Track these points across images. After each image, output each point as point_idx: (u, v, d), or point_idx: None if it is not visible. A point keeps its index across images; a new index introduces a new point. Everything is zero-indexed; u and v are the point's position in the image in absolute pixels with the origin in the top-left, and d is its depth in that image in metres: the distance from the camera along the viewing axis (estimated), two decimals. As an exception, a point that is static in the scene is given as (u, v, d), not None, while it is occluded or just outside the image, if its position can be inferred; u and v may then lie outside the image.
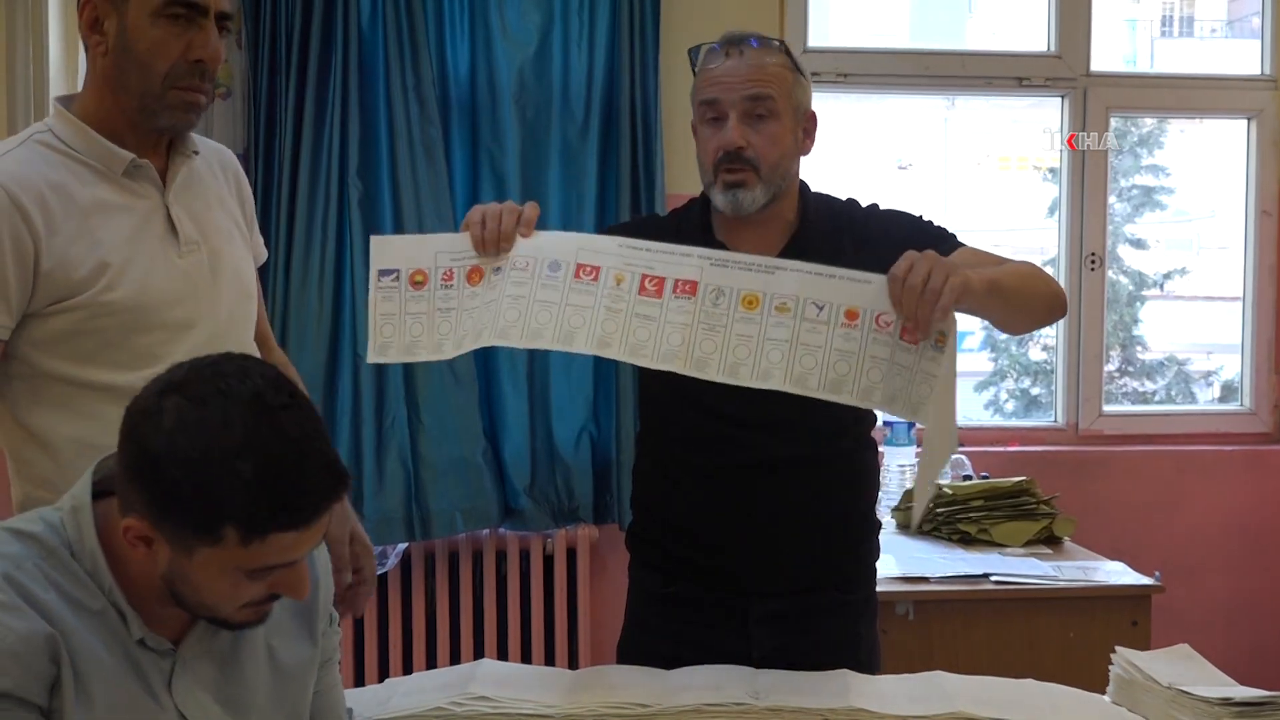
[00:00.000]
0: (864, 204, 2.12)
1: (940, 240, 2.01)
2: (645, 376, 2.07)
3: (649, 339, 1.78)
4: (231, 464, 1.21)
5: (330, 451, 1.28)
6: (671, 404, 2.06)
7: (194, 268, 1.80)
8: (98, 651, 1.30)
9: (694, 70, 2.04)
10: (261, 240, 2.06)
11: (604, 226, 3.33)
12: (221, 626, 1.36)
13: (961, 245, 2.02)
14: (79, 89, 1.86)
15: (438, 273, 1.84)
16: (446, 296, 1.83)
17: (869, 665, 2.06)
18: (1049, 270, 2.07)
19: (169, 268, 1.77)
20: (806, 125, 2.03)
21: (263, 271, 3.26)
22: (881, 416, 3.33)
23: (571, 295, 1.80)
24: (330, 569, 1.58)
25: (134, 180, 1.77)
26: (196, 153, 1.86)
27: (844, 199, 2.11)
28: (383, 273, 1.85)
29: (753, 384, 1.77)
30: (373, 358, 1.83)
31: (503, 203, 1.87)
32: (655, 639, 2.07)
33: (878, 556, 2.18)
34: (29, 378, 1.73)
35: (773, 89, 1.97)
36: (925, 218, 2.09)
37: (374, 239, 1.90)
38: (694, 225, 2.06)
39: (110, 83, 1.74)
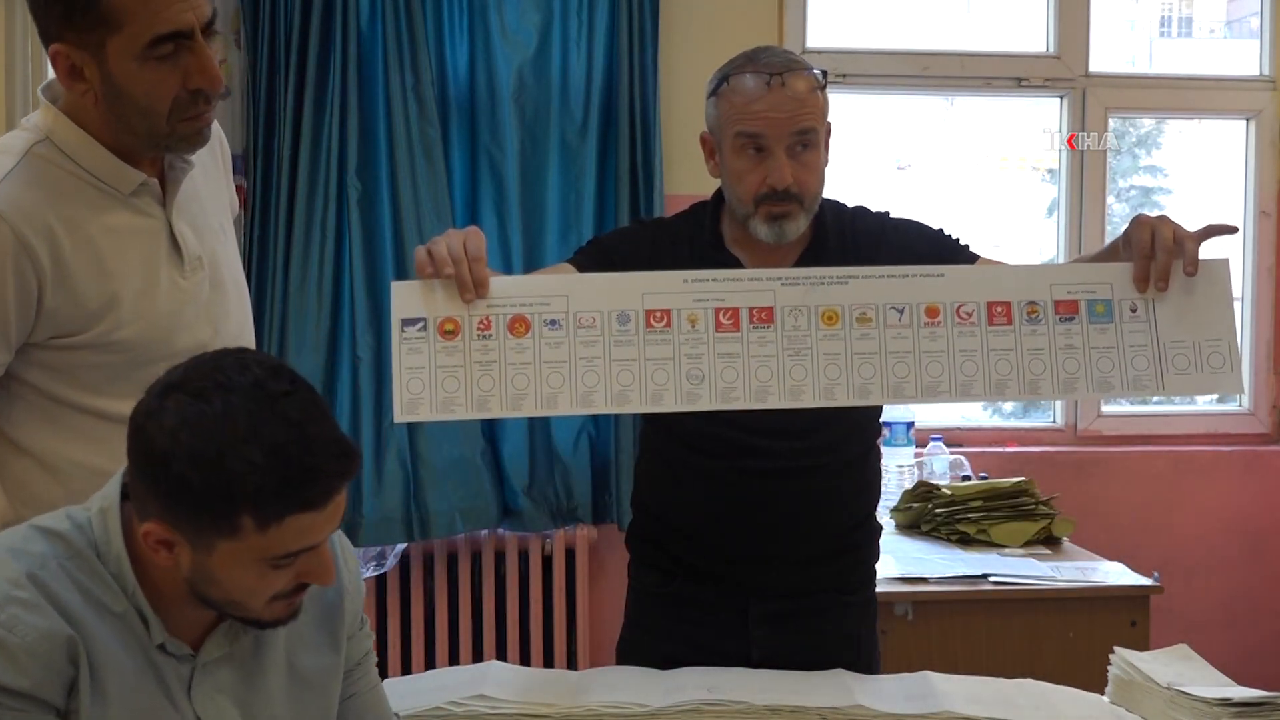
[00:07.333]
0: (874, 211, 2.07)
1: (956, 251, 2.00)
2: None
3: (737, 380, 1.72)
4: (238, 451, 1.21)
5: (335, 432, 1.27)
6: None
7: (197, 288, 1.73)
8: (118, 654, 1.30)
9: (714, 91, 1.93)
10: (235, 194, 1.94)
11: (603, 231, 3.36)
12: (253, 626, 1.35)
13: (977, 256, 2.00)
14: None
15: (472, 321, 1.68)
16: (486, 349, 1.68)
17: (868, 665, 2.06)
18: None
19: (175, 294, 1.70)
20: (829, 139, 1.97)
21: (262, 271, 3.32)
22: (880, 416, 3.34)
23: (649, 349, 1.71)
24: (360, 575, 1.54)
25: (139, 198, 1.68)
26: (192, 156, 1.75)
27: (853, 207, 2.07)
28: (406, 322, 1.67)
29: (855, 403, 1.73)
30: (400, 417, 1.67)
31: (444, 235, 1.72)
32: (654, 639, 2.07)
33: (878, 559, 2.18)
34: (30, 400, 1.67)
35: (816, 120, 1.90)
36: (939, 227, 2.05)
37: (395, 285, 1.71)
38: (705, 239, 2.01)
39: (109, 124, 1.63)
